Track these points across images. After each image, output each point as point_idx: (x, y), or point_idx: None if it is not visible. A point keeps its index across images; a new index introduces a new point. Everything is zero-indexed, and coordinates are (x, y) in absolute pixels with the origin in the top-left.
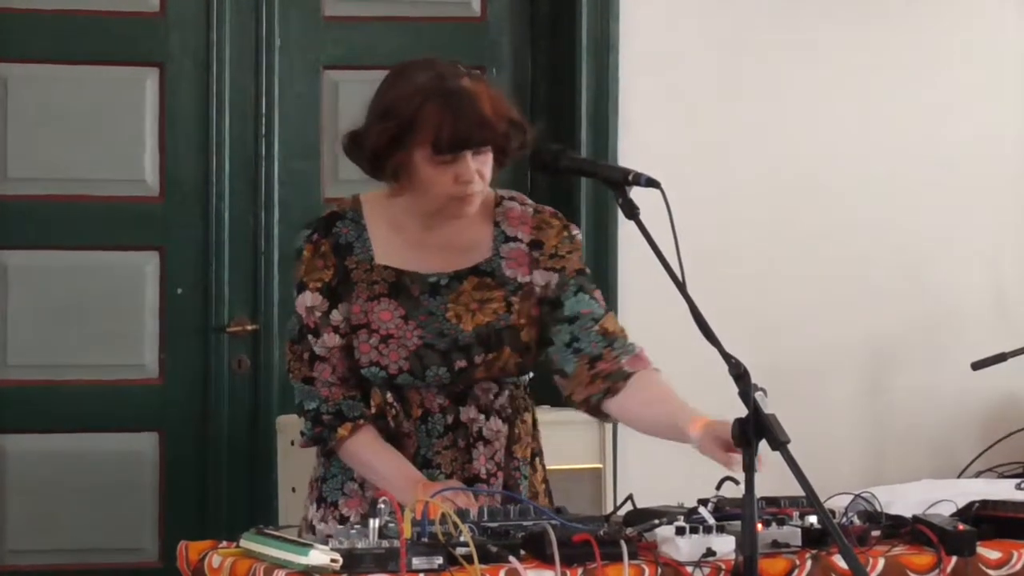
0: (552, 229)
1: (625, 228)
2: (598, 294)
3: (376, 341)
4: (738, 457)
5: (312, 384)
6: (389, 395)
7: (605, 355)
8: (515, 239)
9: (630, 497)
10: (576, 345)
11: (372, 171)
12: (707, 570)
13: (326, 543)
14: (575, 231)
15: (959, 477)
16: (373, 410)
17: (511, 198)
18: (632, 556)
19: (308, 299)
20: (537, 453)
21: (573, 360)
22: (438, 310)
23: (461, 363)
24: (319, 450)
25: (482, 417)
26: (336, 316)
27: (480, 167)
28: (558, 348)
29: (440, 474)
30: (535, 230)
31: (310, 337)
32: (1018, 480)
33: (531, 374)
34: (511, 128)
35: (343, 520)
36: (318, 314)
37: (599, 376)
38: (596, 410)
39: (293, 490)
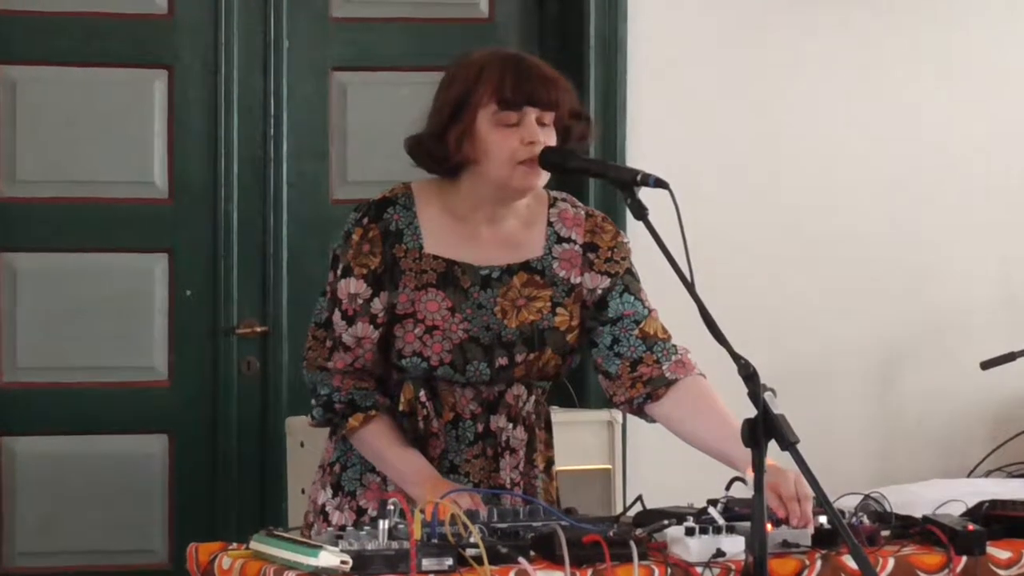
0: (606, 234)
1: (634, 229)
2: (644, 295)
3: (421, 331)
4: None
5: (325, 372)
6: (422, 393)
7: (645, 359)
8: (568, 240)
9: (639, 498)
10: (617, 348)
11: (436, 151)
12: (717, 571)
13: (336, 544)
14: (626, 238)
15: (969, 477)
16: (402, 407)
17: (564, 199)
18: (642, 557)
19: (352, 285)
20: (551, 462)
21: (616, 362)
22: (488, 303)
23: (503, 360)
24: (332, 433)
25: (510, 426)
26: (376, 305)
27: (546, 138)
28: (601, 350)
29: (468, 482)
30: (589, 233)
31: (343, 323)
32: None
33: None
34: (574, 114)
35: (360, 512)
36: (360, 301)
37: (640, 380)
38: (639, 412)
39: (303, 491)
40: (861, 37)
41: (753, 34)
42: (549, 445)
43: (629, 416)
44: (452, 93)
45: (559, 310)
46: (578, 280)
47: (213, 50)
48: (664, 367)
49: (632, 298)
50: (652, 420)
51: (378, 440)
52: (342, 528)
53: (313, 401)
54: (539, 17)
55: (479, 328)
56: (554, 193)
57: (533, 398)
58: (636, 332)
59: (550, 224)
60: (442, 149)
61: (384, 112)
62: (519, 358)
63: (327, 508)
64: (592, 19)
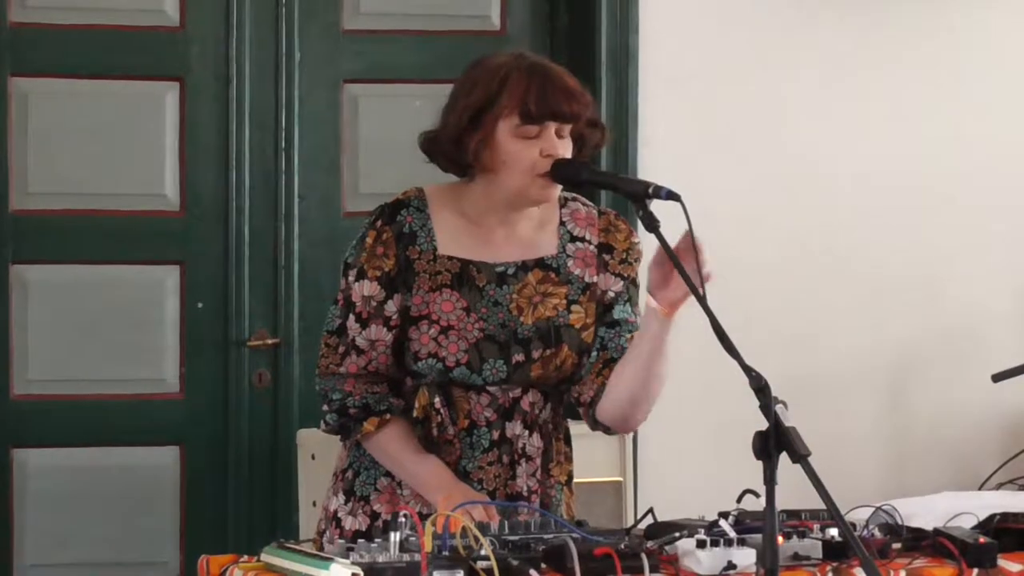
0: (620, 233)
1: (646, 241)
2: (639, 309)
3: (436, 332)
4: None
5: (337, 377)
6: (437, 400)
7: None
8: (582, 239)
9: (651, 510)
10: (601, 347)
11: (453, 154)
12: None
13: (347, 556)
14: (637, 238)
15: (980, 489)
16: (416, 413)
17: (574, 198)
18: (653, 569)
19: (366, 288)
20: (571, 477)
21: (594, 358)
22: (504, 300)
23: (519, 357)
24: (346, 441)
25: (526, 433)
26: (390, 307)
27: (564, 150)
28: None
29: (482, 489)
30: (603, 232)
31: (357, 326)
32: None
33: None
34: (590, 123)
35: (374, 516)
36: (374, 304)
37: (602, 374)
38: (593, 420)
39: (314, 504)
40: (875, 49)
41: (765, 45)
42: (569, 459)
43: (640, 428)
44: (473, 99)
45: (574, 307)
46: (593, 279)
47: (225, 62)
48: None
49: (631, 308)
50: (610, 431)
51: (394, 445)
52: (355, 534)
53: (325, 407)
54: (551, 29)
55: (495, 326)
56: (565, 193)
57: (550, 406)
58: (628, 338)
59: (563, 223)
60: (459, 153)
61: (396, 124)
62: (536, 354)
63: (339, 514)
64: (603, 30)
